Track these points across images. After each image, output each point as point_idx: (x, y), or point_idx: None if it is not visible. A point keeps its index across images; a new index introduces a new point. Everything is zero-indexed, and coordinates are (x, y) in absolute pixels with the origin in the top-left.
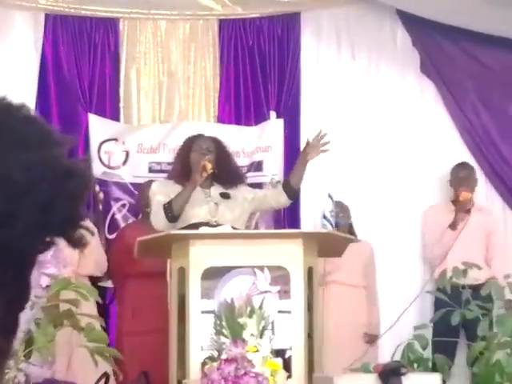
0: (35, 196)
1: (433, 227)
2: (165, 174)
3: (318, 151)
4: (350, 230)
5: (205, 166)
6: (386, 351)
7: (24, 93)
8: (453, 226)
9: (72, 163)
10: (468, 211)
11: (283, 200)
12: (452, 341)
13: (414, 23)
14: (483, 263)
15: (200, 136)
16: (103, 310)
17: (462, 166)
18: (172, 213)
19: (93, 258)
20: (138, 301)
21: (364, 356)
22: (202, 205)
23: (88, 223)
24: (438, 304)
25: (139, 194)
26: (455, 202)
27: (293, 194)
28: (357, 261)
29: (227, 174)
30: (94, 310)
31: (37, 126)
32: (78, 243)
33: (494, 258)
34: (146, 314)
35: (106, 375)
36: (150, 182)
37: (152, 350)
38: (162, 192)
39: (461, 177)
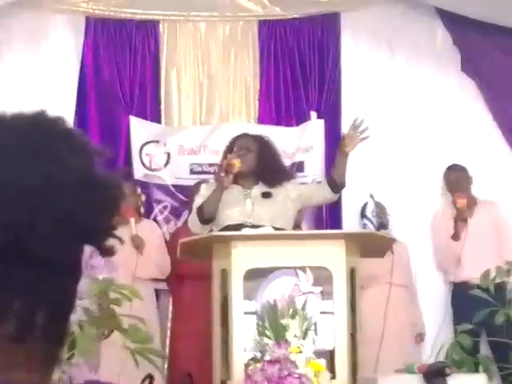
0: (53, 206)
1: (440, 234)
2: (206, 176)
3: (355, 141)
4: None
5: (230, 164)
6: (427, 352)
7: (64, 97)
8: (455, 237)
9: (104, 174)
10: (465, 219)
11: (329, 195)
12: (475, 340)
13: (454, 21)
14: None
15: (243, 135)
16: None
17: (452, 169)
18: (203, 215)
19: (154, 260)
20: (192, 302)
21: (410, 356)
22: (236, 206)
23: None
24: (477, 303)
25: (190, 195)
26: (454, 205)
27: (338, 188)
28: (398, 261)
29: (271, 172)
30: (151, 312)
31: (69, 138)
32: (107, 252)
33: (507, 254)
34: (200, 315)
35: (150, 376)
36: (199, 184)
37: (199, 351)
38: (202, 195)
39: (451, 180)
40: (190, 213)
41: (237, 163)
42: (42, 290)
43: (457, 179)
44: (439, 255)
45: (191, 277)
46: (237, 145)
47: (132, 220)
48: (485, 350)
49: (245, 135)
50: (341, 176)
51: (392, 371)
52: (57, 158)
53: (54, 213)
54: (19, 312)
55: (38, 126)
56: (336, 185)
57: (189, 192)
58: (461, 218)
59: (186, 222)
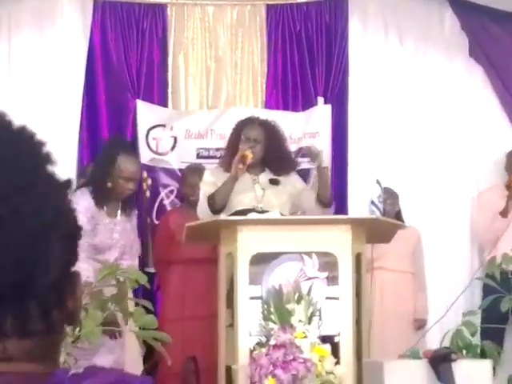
0: None
1: (485, 211)
2: (213, 160)
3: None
4: (398, 216)
5: (244, 156)
6: (435, 338)
7: (72, 80)
8: (504, 213)
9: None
10: None
11: (319, 209)
12: (500, 327)
13: (462, 7)
14: None
15: (250, 121)
16: (150, 296)
17: None
18: (214, 205)
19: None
20: (181, 287)
21: (413, 342)
22: (248, 192)
23: None
24: (486, 290)
25: (181, 179)
26: (508, 187)
27: (326, 205)
28: (405, 247)
29: (277, 160)
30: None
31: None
32: None
33: None
34: (190, 300)
35: (154, 360)
36: (191, 168)
37: (197, 335)
38: (209, 183)
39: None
40: (183, 197)
41: (249, 155)
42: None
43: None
44: (483, 233)
45: (180, 261)
46: (244, 134)
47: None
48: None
49: (251, 122)
50: (324, 195)
51: (396, 357)
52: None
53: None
54: (14, 311)
55: None
56: (322, 203)
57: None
58: None
59: (177, 207)
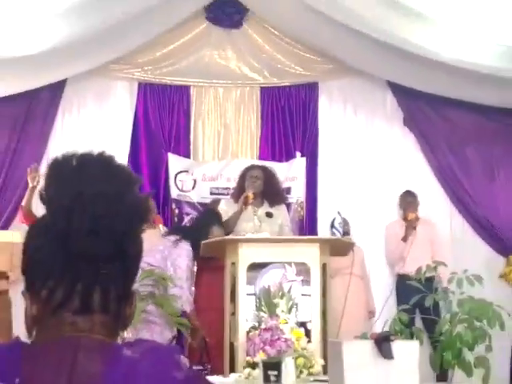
0: (105, 218)
1: (391, 239)
2: (222, 196)
3: None
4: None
5: (247, 197)
6: (378, 325)
7: (122, 140)
8: (404, 239)
9: (136, 197)
10: (414, 228)
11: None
12: (410, 316)
13: (399, 90)
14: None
15: (253, 166)
16: None
17: (409, 193)
18: (226, 229)
19: None
20: (206, 288)
21: (365, 327)
22: (249, 222)
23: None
24: (413, 290)
25: (209, 206)
26: (405, 219)
27: None
28: (355, 259)
29: (272, 193)
30: None
31: (113, 171)
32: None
33: (437, 257)
34: (211, 296)
35: (175, 337)
36: (215, 200)
37: (212, 321)
38: (223, 210)
39: (408, 201)
40: None
41: (251, 196)
42: (97, 278)
43: (412, 201)
44: (390, 254)
45: (206, 269)
46: (249, 174)
47: (160, 225)
48: (418, 323)
49: (255, 166)
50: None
51: (352, 338)
52: (112, 184)
53: (106, 219)
54: (81, 294)
55: (101, 160)
56: None
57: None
58: (410, 227)
59: None
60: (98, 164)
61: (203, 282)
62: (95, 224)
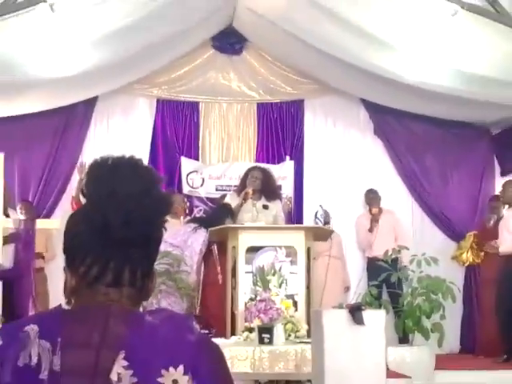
0: (137, 209)
1: (360, 229)
2: (225, 191)
3: None
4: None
5: (247, 193)
6: (352, 298)
7: (143, 147)
8: (370, 229)
9: (161, 192)
10: (377, 219)
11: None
12: (379, 290)
13: (369, 105)
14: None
15: (254, 167)
16: None
17: (371, 191)
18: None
19: None
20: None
21: (341, 299)
22: (248, 212)
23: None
24: (381, 269)
25: (218, 201)
26: (370, 212)
27: None
28: (333, 243)
29: (269, 191)
30: None
31: (144, 170)
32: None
33: (400, 241)
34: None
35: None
36: (222, 196)
37: (217, 293)
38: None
39: (370, 197)
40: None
41: (250, 192)
42: (127, 259)
43: (374, 197)
44: (360, 242)
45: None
46: (250, 174)
47: (181, 217)
48: (385, 296)
49: (256, 168)
50: None
51: (330, 308)
52: (140, 182)
53: (136, 213)
54: (113, 270)
55: (131, 162)
56: None
57: (215, 201)
58: (374, 220)
59: None
60: (129, 166)
61: (208, 263)
62: (127, 217)
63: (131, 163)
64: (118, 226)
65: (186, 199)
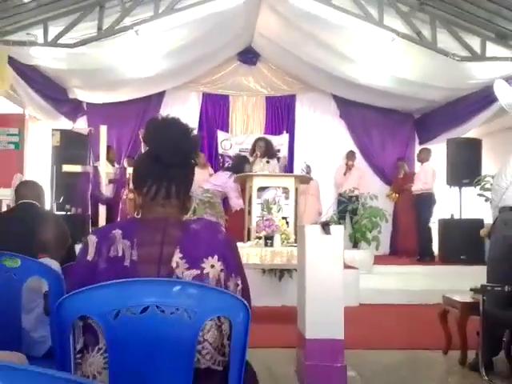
0: (180, 145)
1: (338, 173)
2: (245, 152)
3: None
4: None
5: (256, 154)
6: (324, 218)
7: (192, 125)
8: (344, 174)
9: (195, 137)
10: (350, 169)
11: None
12: (343, 215)
13: (338, 99)
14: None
15: (260, 138)
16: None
17: (351, 152)
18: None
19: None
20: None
21: (316, 220)
22: (257, 165)
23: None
24: (341, 203)
25: (235, 159)
26: (346, 164)
27: None
28: (312, 186)
29: (270, 154)
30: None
31: (187, 128)
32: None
33: (359, 186)
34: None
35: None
36: (238, 154)
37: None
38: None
39: (350, 155)
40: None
41: (258, 154)
42: (174, 178)
43: (350, 155)
44: (335, 182)
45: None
46: (257, 143)
47: (208, 166)
48: (348, 219)
49: (261, 139)
50: None
51: (310, 224)
52: (181, 128)
53: (181, 147)
54: (165, 187)
55: (175, 118)
56: None
57: (238, 156)
58: (348, 169)
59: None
60: (173, 119)
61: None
62: (174, 148)
63: (175, 118)
64: (167, 155)
65: (220, 158)
